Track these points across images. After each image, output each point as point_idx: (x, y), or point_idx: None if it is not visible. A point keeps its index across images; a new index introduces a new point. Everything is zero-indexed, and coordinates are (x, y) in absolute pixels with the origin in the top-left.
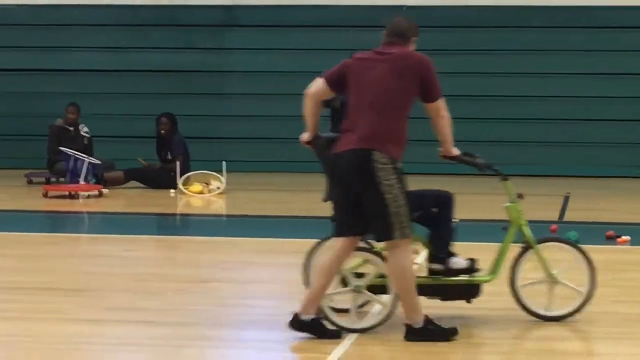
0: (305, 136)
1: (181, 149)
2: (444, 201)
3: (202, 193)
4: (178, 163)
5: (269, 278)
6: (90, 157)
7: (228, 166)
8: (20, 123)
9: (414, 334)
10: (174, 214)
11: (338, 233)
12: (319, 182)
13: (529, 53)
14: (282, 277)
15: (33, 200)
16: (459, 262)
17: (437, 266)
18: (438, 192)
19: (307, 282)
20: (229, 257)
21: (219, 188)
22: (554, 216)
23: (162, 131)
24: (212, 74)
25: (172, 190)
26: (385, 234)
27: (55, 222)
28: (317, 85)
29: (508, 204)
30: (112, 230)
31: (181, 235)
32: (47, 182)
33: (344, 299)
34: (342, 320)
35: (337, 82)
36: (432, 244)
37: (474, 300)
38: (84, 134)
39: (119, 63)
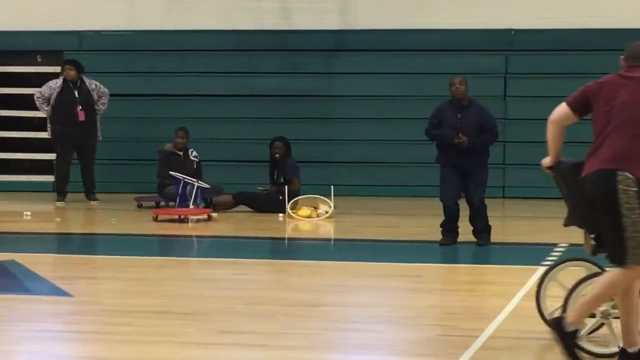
0: (547, 161)
1: (295, 172)
2: None
3: (311, 217)
4: (287, 187)
5: (377, 302)
6: (199, 181)
7: (336, 190)
8: (130, 148)
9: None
10: (283, 238)
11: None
12: (425, 206)
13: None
14: (389, 302)
15: (143, 224)
16: None
17: None
18: None
19: (540, 309)
20: (338, 280)
21: (327, 212)
22: None
23: (277, 155)
24: (321, 99)
25: (281, 215)
26: (618, 258)
27: (165, 246)
28: (561, 111)
29: None
30: (222, 254)
31: (290, 259)
32: (157, 206)
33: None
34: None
35: (581, 107)
36: None
37: None
38: (193, 159)
39: (228, 88)
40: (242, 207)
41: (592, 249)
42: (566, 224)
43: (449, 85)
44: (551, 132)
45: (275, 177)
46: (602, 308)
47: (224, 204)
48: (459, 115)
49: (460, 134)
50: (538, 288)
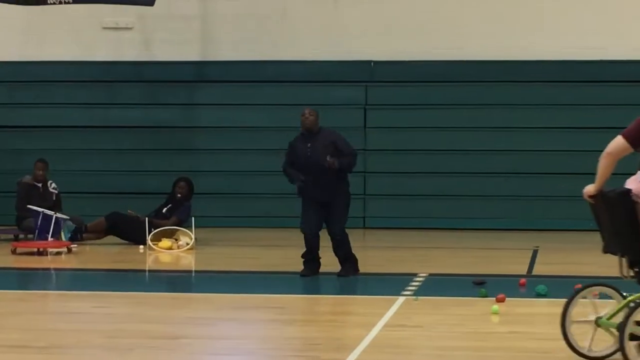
0: (590, 189)
1: (185, 215)
2: None
3: (172, 249)
4: (147, 219)
5: (239, 334)
6: (58, 213)
7: (197, 221)
8: None
9: None
10: (144, 270)
11: None
12: (286, 237)
13: (495, 107)
14: (251, 333)
15: (1, 257)
16: None
17: None
18: None
19: (565, 334)
20: (199, 313)
21: (188, 244)
22: (523, 270)
23: (179, 195)
24: (181, 130)
25: (142, 246)
26: None
27: (24, 279)
28: (618, 143)
29: None
30: (81, 287)
31: (151, 292)
32: (16, 239)
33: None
34: None
35: (638, 139)
36: None
37: None
38: (52, 190)
39: (88, 119)
40: (110, 239)
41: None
42: (605, 252)
43: (301, 115)
44: (604, 164)
45: (164, 211)
46: None
47: (97, 226)
48: (309, 145)
49: (328, 158)
50: (562, 319)
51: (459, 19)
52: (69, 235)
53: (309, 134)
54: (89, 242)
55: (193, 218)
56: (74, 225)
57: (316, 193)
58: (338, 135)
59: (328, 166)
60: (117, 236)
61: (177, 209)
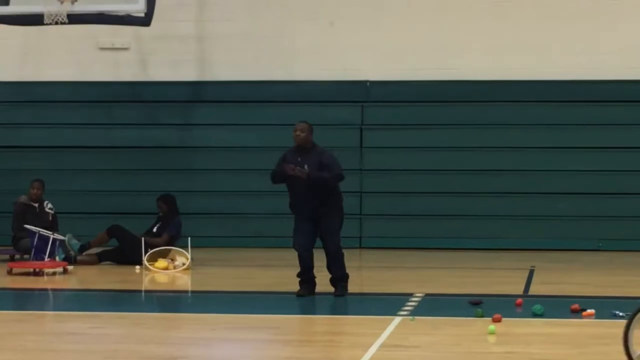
0: None
1: (175, 231)
2: None
3: (168, 269)
4: (143, 239)
5: (235, 354)
6: (54, 234)
7: (193, 242)
8: None
9: None
10: (140, 290)
11: None
12: (282, 257)
13: (491, 127)
14: (247, 353)
15: None
16: None
17: None
18: None
19: (627, 352)
20: (195, 333)
21: (184, 264)
22: (519, 290)
23: (160, 213)
24: (178, 150)
25: (138, 267)
26: None
27: (20, 300)
28: None
29: None
30: (77, 307)
31: (148, 312)
32: (12, 259)
33: None
34: None
35: None
36: None
37: None
38: (49, 210)
39: (85, 139)
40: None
41: None
42: None
43: (293, 131)
44: None
45: (154, 230)
46: None
47: (100, 239)
48: (299, 159)
49: (295, 166)
50: (625, 336)
51: (454, 39)
52: (63, 256)
53: (301, 149)
54: (84, 264)
55: (189, 238)
56: (79, 243)
57: (306, 208)
58: (327, 153)
59: (292, 172)
60: (111, 260)
61: (167, 226)
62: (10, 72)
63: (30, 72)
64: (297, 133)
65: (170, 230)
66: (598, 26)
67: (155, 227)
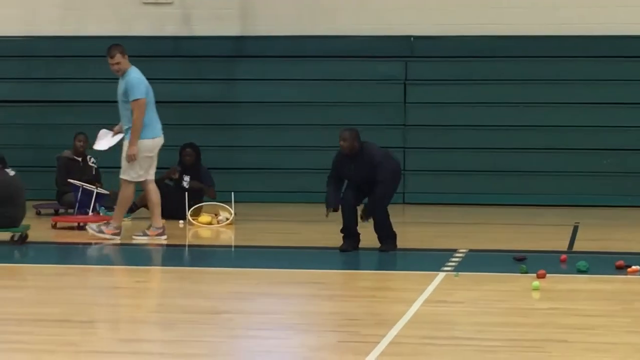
0: None
1: (209, 180)
2: None
3: (211, 224)
4: (187, 194)
5: (278, 309)
6: (98, 188)
7: (237, 197)
8: (28, 155)
9: None
10: (184, 245)
11: None
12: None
13: (537, 83)
14: (291, 309)
15: (42, 232)
16: None
17: None
18: None
19: None
20: (239, 288)
21: (227, 219)
22: (564, 246)
23: (185, 163)
24: (221, 105)
25: (181, 221)
26: None
27: (64, 254)
28: None
29: None
30: (122, 262)
31: (191, 267)
32: (56, 213)
33: None
34: None
35: None
36: None
37: None
38: (92, 164)
39: None
40: (144, 211)
41: None
42: None
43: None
44: None
45: (185, 181)
46: None
47: (144, 197)
48: (352, 166)
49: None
50: None
51: None
52: (103, 210)
53: (350, 155)
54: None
55: (233, 193)
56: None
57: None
58: (376, 158)
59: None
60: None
61: (199, 176)
62: (52, 27)
63: (71, 26)
64: (341, 143)
65: (209, 182)
66: None
67: (187, 178)
